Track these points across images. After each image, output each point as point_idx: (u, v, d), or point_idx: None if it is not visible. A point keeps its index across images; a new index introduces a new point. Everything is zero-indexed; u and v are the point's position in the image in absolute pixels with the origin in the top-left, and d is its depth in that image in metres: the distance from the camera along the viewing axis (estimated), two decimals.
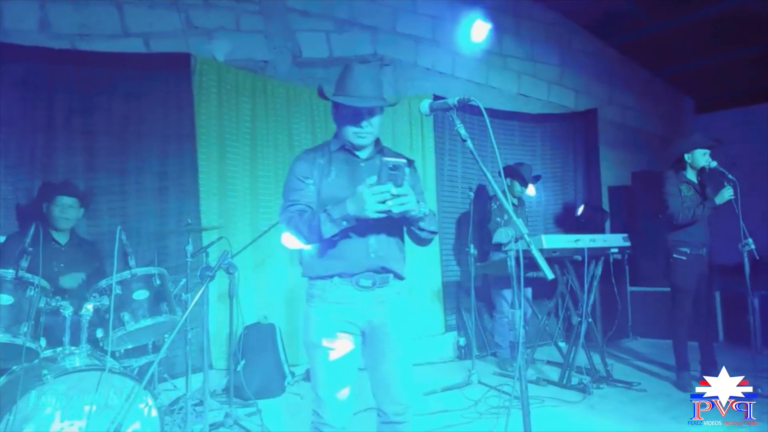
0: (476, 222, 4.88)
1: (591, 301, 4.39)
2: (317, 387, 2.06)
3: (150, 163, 4.25)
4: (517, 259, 1.87)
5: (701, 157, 4.11)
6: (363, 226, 1.99)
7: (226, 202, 4.51)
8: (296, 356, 4.54)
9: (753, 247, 3.82)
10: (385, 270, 2.10)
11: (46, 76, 3.89)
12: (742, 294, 4.19)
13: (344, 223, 1.91)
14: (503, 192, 1.84)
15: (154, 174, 4.26)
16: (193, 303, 2.44)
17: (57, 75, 3.93)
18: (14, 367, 2.66)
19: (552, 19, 6.70)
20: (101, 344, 2.97)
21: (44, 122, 3.88)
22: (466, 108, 1.87)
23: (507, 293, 4.87)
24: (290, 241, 2.17)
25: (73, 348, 2.74)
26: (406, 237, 2.22)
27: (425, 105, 1.98)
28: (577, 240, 4.18)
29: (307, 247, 2.10)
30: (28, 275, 2.65)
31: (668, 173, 4.26)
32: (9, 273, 2.62)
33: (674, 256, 4.15)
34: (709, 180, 4.21)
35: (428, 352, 5.22)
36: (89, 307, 2.81)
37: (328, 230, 1.93)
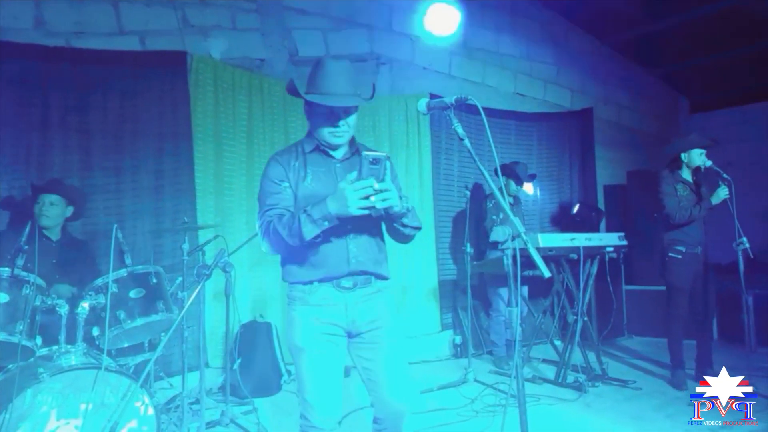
0: (473, 220, 4.88)
1: (587, 300, 4.41)
2: (304, 391, 2.00)
3: (146, 162, 4.23)
4: (514, 257, 1.87)
5: (698, 157, 4.13)
6: (342, 230, 1.93)
7: (223, 200, 4.51)
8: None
9: (747, 245, 3.84)
10: (365, 273, 2.04)
11: (42, 74, 3.87)
12: (737, 293, 4.21)
13: (326, 223, 1.83)
14: (500, 190, 1.84)
15: (150, 172, 4.25)
16: (189, 301, 2.44)
17: (52, 73, 3.91)
18: (10, 366, 2.65)
19: (548, 18, 6.72)
20: (97, 342, 2.96)
21: (39, 120, 3.86)
22: (463, 107, 1.87)
23: (504, 291, 4.89)
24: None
25: (68, 346, 2.73)
26: (386, 236, 2.15)
27: (423, 104, 1.98)
28: (573, 239, 4.20)
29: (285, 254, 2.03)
30: (24, 273, 2.65)
31: (664, 172, 4.27)
32: (5, 271, 2.61)
33: (670, 254, 4.16)
34: (704, 179, 4.23)
35: (424, 351, 5.23)
36: (85, 305, 2.80)
37: (310, 231, 1.83)
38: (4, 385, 2.54)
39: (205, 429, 3.11)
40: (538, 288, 5.17)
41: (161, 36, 4.38)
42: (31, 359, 2.69)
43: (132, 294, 3.03)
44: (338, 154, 2.09)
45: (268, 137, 4.71)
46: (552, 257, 4.14)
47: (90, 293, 2.93)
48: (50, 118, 3.91)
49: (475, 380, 4.36)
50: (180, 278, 3.42)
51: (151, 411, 2.74)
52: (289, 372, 4.39)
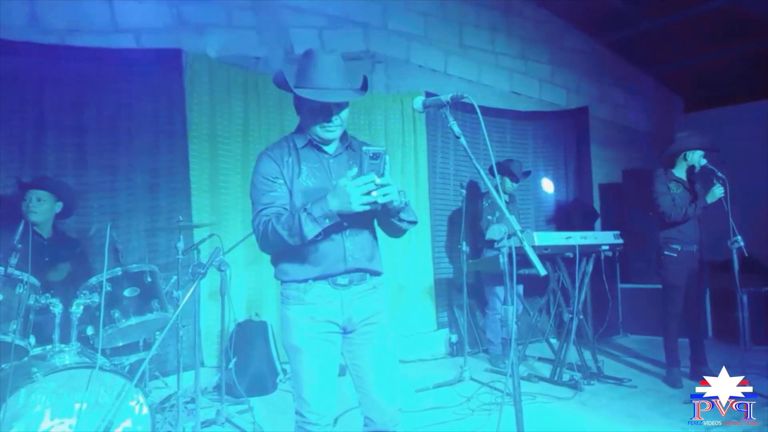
0: (469, 219, 4.89)
1: (582, 298, 4.42)
2: (300, 389, 1.99)
3: (141, 160, 4.22)
4: (510, 255, 1.87)
5: (698, 158, 4.14)
6: (338, 226, 1.90)
7: (218, 199, 4.49)
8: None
9: (742, 244, 3.86)
10: (361, 270, 2.03)
11: (36, 71, 3.86)
12: (731, 291, 4.23)
13: (327, 221, 1.81)
14: (495, 188, 1.84)
15: (145, 171, 4.24)
16: (184, 300, 2.43)
17: (47, 71, 3.90)
18: (3, 365, 2.63)
19: (543, 17, 6.73)
20: (91, 342, 2.96)
21: (34, 118, 3.85)
22: (459, 105, 1.87)
23: (500, 290, 4.89)
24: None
25: (62, 346, 2.72)
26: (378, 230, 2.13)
27: (418, 102, 1.97)
28: (568, 237, 4.20)
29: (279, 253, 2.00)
30: (17, 272, 2.63)
31: (658, 171, 4.28)
32: None
33: (665, 253, 4.18)
34: (697, 177, 4.24)
35: (420, 349, 5.23)
36: (79, 304, 2.78)
37: (311, 230, 1.81)
38: None
39: (201, 428, 3.10)
40: (534, 286, 5.18)
41: (156, 33, 4.36)
42: (25, 358, 2.67)
43: (126, 293, 3.02)
44: (330, 149, 2.07)
45: (264, 136, 4.69)
46: (548, 255, 4.15)
47: (84, 292, 2.92)
48: (44, 116, 3.89)
49: (471, 378, 4.37)
50: (175, 277, 3.41)
51: (145, 410, 2.73)
52: (284, 371, 4.38)
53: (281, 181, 1.97)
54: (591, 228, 6.12)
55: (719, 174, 4.00)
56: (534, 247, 3.81)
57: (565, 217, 6.45)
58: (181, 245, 3.40)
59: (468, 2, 6.05)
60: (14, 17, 3.86)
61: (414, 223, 2.07)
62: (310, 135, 2.02)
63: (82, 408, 2.54)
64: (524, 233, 1.80)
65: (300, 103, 2.02)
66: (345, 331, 2.04)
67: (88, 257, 3.64)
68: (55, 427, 2.50)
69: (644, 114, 7.71)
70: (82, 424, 2.53)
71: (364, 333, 2.04)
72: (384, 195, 1.79)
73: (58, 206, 3.41)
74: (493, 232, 4.51)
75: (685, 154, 4.17)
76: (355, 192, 1.75)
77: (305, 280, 1.98)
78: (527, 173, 5.37)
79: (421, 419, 3.48)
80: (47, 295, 2.79)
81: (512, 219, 1.79)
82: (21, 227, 2.67)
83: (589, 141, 6.74)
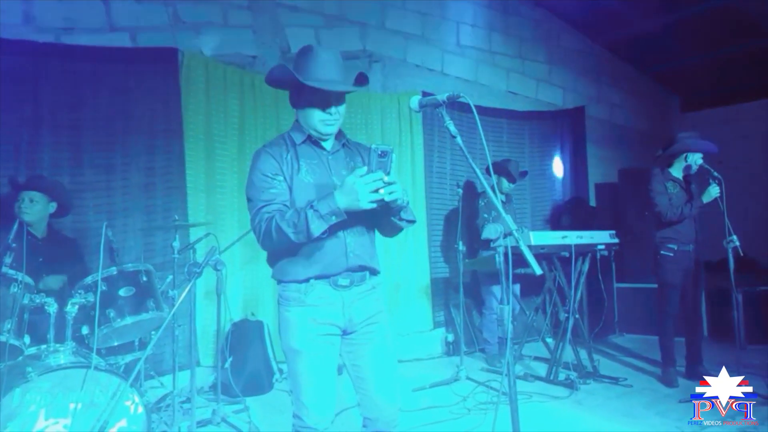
0: (465, 218, 4.89)
1: (578, 298, 4.43)
2: (299, 392, 1.96)
3: (137, 159, 4.21)
4: (506, 255, 1.87)
5: (698, 159, 4.15)
6: (341, 223, 1.87)
7: (214, 198, 4.49)
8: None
9: (737, 243, 3.86)
10: (362, 268, 2.01)
11: (31, 70, 3.84)
12: (727, 290, 4.24)
13: (333, 218, 1.80)
14: (492, 188, 1.84)
15: (140, 170, 4.22)
16: (180, 300, 2.43)
17: (42, 69, 3.88)
18: None
19: (540, 16, 6.73)
20: (87, 341, 2.94)
21: (29, 117, 3.83)
22: (455, 105, 1.86)
23: (496, 289, 4.89)
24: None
25: (57, 345, 2.70)
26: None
27: (415, 101, 1.97)
28: (564, 237, 4.21)
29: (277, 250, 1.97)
30: (12, 271, 2.62)
31: (654, 170, 4.29)
32: None
33: (662, 252, 4.18)
34: (693, 177, 4.25)
35: (416, 349, 5.23)
36: (74, 304, 2.77)
37: (318, 227, 1.79)
38: None
39: (196, 428, 3.09)
40: (530, 286, 5.18)
41: (152, 32, 4.35)
42: (20, 358, 2.66)
43: (122, 292, 3.01)
44: (328, 145, 2.06)
45: (260, 134, 4.69)
46: (544, 255, 4.15)
47: (79, 291, 2.90)
48: (40, 115, 3.88)
49: (467, 378, 4.37)
50: (170, 276, 3.40)
51: (141, 410, 2.72)
52: (281, 370, 4.38)
53: (281, 178, 1.95)
54: (592, 227, 6.13)
55: (715, 174, 4.01)
56: (530, 247, 3.84)
57: (563, 216, 6.46)
58: (177, 244, 3.39)
59: (465, 1, 6.05)
60: (9, 15, 3.84)
61: (412, 222, 2.07)
62: (309, 130, 2.02)
63: (77, 408, 2.53)
64: (520, 233, 1.80)
65: (299, 98, 2.01)
66: (345, 333, 2.03)
67: (84, 256, 3.62)
68: (50, 427, 2.49)
69: (641, 114, 7.73)
70: (77, 424, 2.52)
71: (365, 333, 2.03)
72: (390, 193, 1.79)
73: (52, 206, 3.38)
74: (490, 231, 4.49)
75: (686, 155, 4.18)
76: (363, 189, 1.75)
77: (306, 280, 1.95)
78: (524, 173, 5.37)
79: (418, 418, 3.48)
80: (42, 294, 2.78)
81: (508, 218, 1.79)
82: (15, 227, 2.67)
83: (586, 140, 6.76)
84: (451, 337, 5.44)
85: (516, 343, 4.72)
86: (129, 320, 2.98)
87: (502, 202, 5.07)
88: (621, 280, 6.08)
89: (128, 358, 3.28)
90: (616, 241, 4.52)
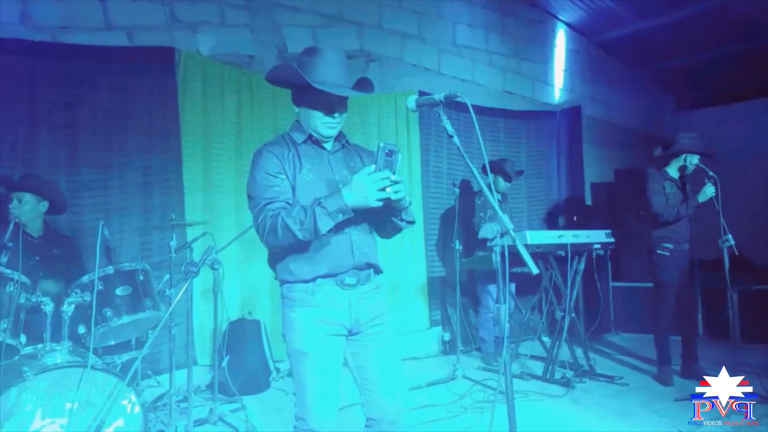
0: (462, 218, 4.90)
1: (574, 297, 4.44)
2: (304, 395, 1.95)
3: (134, 158, 4.20)
4: (502, 254, 1.87)
5: (695, 160, 4.17)
6: (346, 221, 1.87)
7: (211, 197, 4.48)
8: (281, 352, 4.52)
9: (732, 243, 3.88)
10: (368, 266, 2.02)
11: (27, 69, 3.82)
12: (722, 289, 4.26)
13: (340, 215, 1.80)
14: (488, 186, 1.85)
15: (138, 169, 4.21)
16: (177, 299, 2.43)
17: (38, 68, 3.86)
18: None
19: (537, 16, 6.75)
20: (83, 340, 2.94)
21: (26, 116, 3.82)
22: (452, 104, 1.87)
23: (492, 288, 4.90)
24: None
25: (54, 344, 2.70)
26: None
27: (412, 101, 1.97)
28: (560, 236, 4.23)
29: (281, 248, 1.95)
30: (8, 271, 2.61)
31: (650, 170, 4.31)
32: None
33: (658, 252, 4.20)
34: (689, 177, 4.27)
35: (413, 348, 5.24)
36: (71, 303, 2.77)
37: (325, 225, 1.80)
38: None
39: (193, 427, 3.09)
40: (526, 285, 5.20)
41: (149, 31, 4.34)
42: (16, 358, 2.65)
43: (119, 291, 3.00)
44: (328, 146, 2.07)
45: (257, 134, 4.68)
46: (540, 254, 4.17)
47: (76, 290, 2.90)
48: (36, 114, 3.86)
49: (464, 377, 4.38)
50: (167, 275, 3.40)
51: (138, 409, 2.72)
52: (278, 369, 4.38)
53: (283, 176, 1.94)
54: (588, 227, 6.15)
55: (710, 173, 4.03)
56: (526, 246, 3.83)
57: (559, 215, 6.48)
58: (173, 243, 3.39)
59: (462, 1, 6.06)
60: (6, 14, 3.83)
61: (412, 223, 2.09)
62: (311, 131, 2.02)
63: (73, 407, 2.53)
64: (516, 232, 1.81)
65: (302, 98, 2.01)
66: (350, 333, 2.03)
67: (81, 255, 3.61)
68: (46, 427, 2.49)
69: (636, 113, 7.76)
70: (74, 423, 2.52)
71: (370, 334, 2.04)
72: (395, 192, 1.81)
73: (44, 205, 3.32)
74: (486, 230, 4.49)
75: (685, 156, 4.19)
76: (372, 187, 1.77)
77: (313, 279, 1.93)
78: (520, 172, 5.39)
79: (415, 417, 3.49)
80: (38, 293, 2.77)
81: (505, 217, 1.79)
82: (11, 226, 2.67)
83: (582, 140, 6.77)
84: (447, 336, 5.45)
85: (512, 342, 4.73)
86: (126, 319, 2.98)
87: (498, 201, 5.08)
88: (617, 279, 6.11)
89: (125, 357, 3.27)
90: (612, 240, 4.54)
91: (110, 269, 3.01)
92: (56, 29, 4.00)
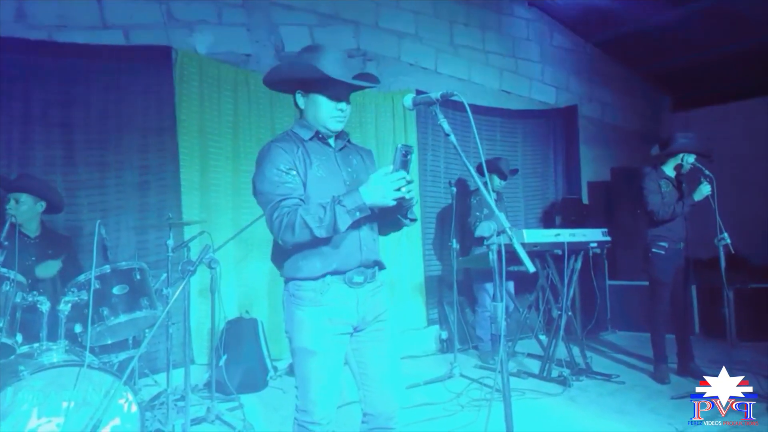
0: (459, 216, 4.91)
1: (571, 295, 4.45)
2: (308, 389, 1.97)
3: (130, 157, 4.20)
4: (499, 253, 1.88)
5: (692, 159, 4.17)
6: (359, 218, 1.90)
7: (208, 196, 4.47)
8: (279, 351, 4.53)
9: (728, 241, 3.89)
10: (374, 263, 2.06)
11: (24, 67, 3.82)
12: (718, 288, 4.27)
13: (358, 213, 1.85)
14: (485, 185, 1.85)
15: (134, 168, 4.21)
16: (174, 298, 2.43)
17: (34, 67, 3.86)
18: None
19: (533, 16, 6.76)
20: (80, 340, 2.93)
21: (21, 115, 3.81)
22: (449, 104, 1.88)
23: (489, 287, 4.91)
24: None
25: (50, 344, 2.69)
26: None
27: (408, 99, 1.98)
28: (557, 234, 4.24)
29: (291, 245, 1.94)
30: (4, 270, 2.61)
31: (646, 169, 4.32)
32: None
33: (653, 250, 4.21)
34: (685, 176, 4.28)
35: (411, 346, 5.25)
36: (67, 302, 2.76)
37: (345, 223, 1.84)
38: None
39: (191, 426, 3.09)
40: (523, 283, 5.21)
41: (146, 30, 4.33)
42: (12, 357, 2.65)
43: (115, 290, 3.01)
44: (333, 142, 2.09)
45: (254, 133, 4.68)
46: (537, 253, 4.18)
47: (72, 289, 2.89)
48: (32, 113, 3.86)
49: (461, 375, 4.39)
50: (165, 274, 3.39)
51: (135, 408, 2.72)
52: (275, 368, 4.38)
53: (294, 173, 1.95)
54: (584, 226, 6.17)
55: (706, 172, 4.04)
56: (523, 244, 3.86)
57: (555, 214, 6.49)
58: (171, 242, 3.38)
59: (459, 1, 6.06)
60: (2, 12, 3.81)
61: (414, 221, 2.14)
62: (317, 126, 2.03)
63: (69, 406, 2.53)
64: (513, 230, 1.81)
65: (308, 95, 2.03)
66: (355, 330, 2.05)
67: (78, 254, 3.60)
68: (43, 426, 2.48)
69: (632, 113, 7.77)
70: (70, 422, 2.51)
71: (373, 331, 2.07)
72: (408, 191, 1.87)
73: (41, 205, 3.32)
74: (483, 229, 4.53)
75: (682, 155, 4.20)
76: (390, 187, 1.82)
77: (322, 276, 1.95)
78: (515, 171, 5.41)
79: (412, 415, 3.49)
80: (34, 292, 2.77)
81: (501, 216, 1.80)
82: (7, 225, 2.66)
83: (578, 139, 6.79)
84: (444, 335, 5.46)
85: (509, 341, 4.74)
86: (123, 318, 2.98)
87: (494, 200, 5.09)
88: (613, 277, 6.12)
89: (122, 356, 3.27)
90: (609, 239, 4.55)
91: (107, 268, 3.01)
92: (52, 28, 3.99)
